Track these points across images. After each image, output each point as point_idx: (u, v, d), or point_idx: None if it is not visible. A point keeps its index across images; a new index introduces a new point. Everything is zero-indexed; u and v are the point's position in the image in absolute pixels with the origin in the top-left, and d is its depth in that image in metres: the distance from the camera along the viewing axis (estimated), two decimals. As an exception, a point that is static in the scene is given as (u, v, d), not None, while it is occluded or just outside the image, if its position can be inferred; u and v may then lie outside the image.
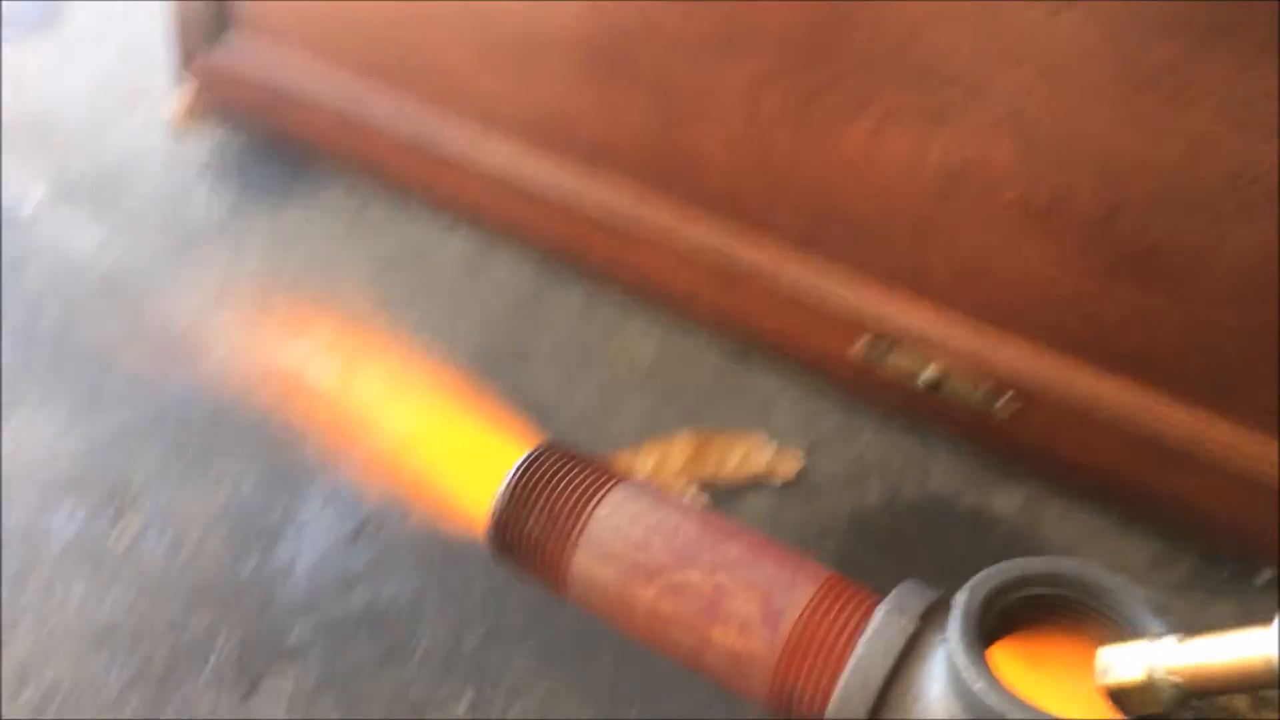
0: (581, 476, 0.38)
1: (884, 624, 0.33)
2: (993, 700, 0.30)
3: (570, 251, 1.03)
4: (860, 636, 0.33)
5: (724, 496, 0.84)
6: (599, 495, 0.37)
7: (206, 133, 1.19)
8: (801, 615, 0.34)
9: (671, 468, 0.85)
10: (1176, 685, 0.31)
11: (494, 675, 0.73)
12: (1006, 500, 0.86)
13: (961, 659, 0.30)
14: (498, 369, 0.93)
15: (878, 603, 0.35)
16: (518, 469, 0.39)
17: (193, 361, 0.92)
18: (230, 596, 0.75)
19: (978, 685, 0.30)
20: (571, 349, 0.97)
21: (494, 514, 0.39)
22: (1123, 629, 0.33)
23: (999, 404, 0.84)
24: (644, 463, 0.85)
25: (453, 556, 0.79)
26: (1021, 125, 0.78)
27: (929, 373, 0.87)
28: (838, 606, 0.34)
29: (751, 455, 0.87)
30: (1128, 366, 0.81)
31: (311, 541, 0.80)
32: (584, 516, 0.37)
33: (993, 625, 0.32)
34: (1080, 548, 0.83)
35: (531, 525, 0.38)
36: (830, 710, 0.33)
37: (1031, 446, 0.85)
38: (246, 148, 1.17)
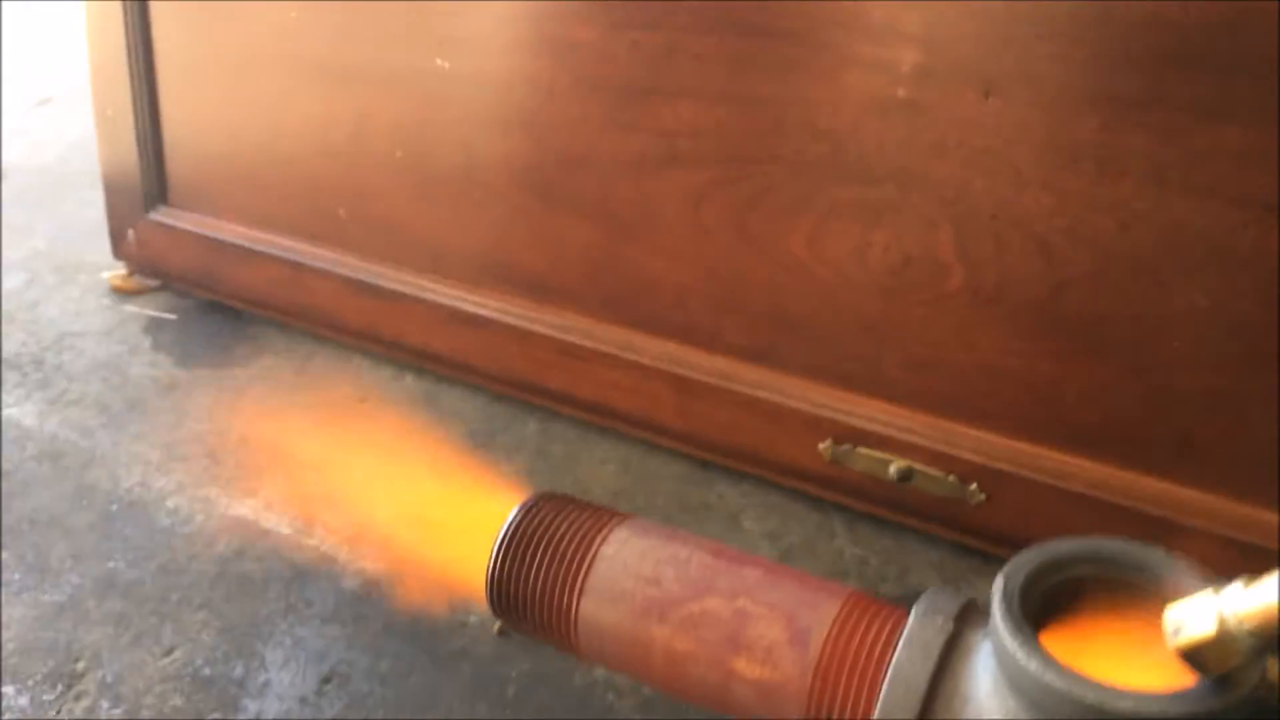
0: (581, 519, 0.36)
1: (919, 627, 0.31)
2: (1052, 678, 0.28)
3: (522, 384, 1.03)
4: (895, 645, 0.31)
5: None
6: (602, 535, 0.35)
7: (146, 300, 1.18)
8: (830, 632, 0.32)
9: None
10: (1252, 633, 0.30)
11: (480, 818, 0.69)
12: (986, 587, 0.85)
13: (1011, 641, 0.28)
14: (456, 502, 0.91)
15: (906, 613, 0.33)
16: (513, 519, 0.37)
17: (141, 523, 0.88)
18: (193, 760, 0.71)
19: (1033, 665, 0.28)
20: (532, 481, 0.95)
21: (492, 569, 0.37)
22: (1174, 598, 0.31)
23: (969, 490, 0.84)
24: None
25: (425, 703, 0.76)
26: (957, 214, 0.79)
27: (895, 468, 0.86)
28: (867, 619, 0.32)
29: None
30: (1091, 442, 0.81)
31: (276, 696, 0.76)
32: (588, 558, 0.35)
33: (1034, 612, 0.30)
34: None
35: (533, 575, 0.35)
36: (873, 725, 0.31)
37: (1006, 531, 0.85)
38: (187, 311, 1.16)
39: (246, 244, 1.10)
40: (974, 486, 0.84)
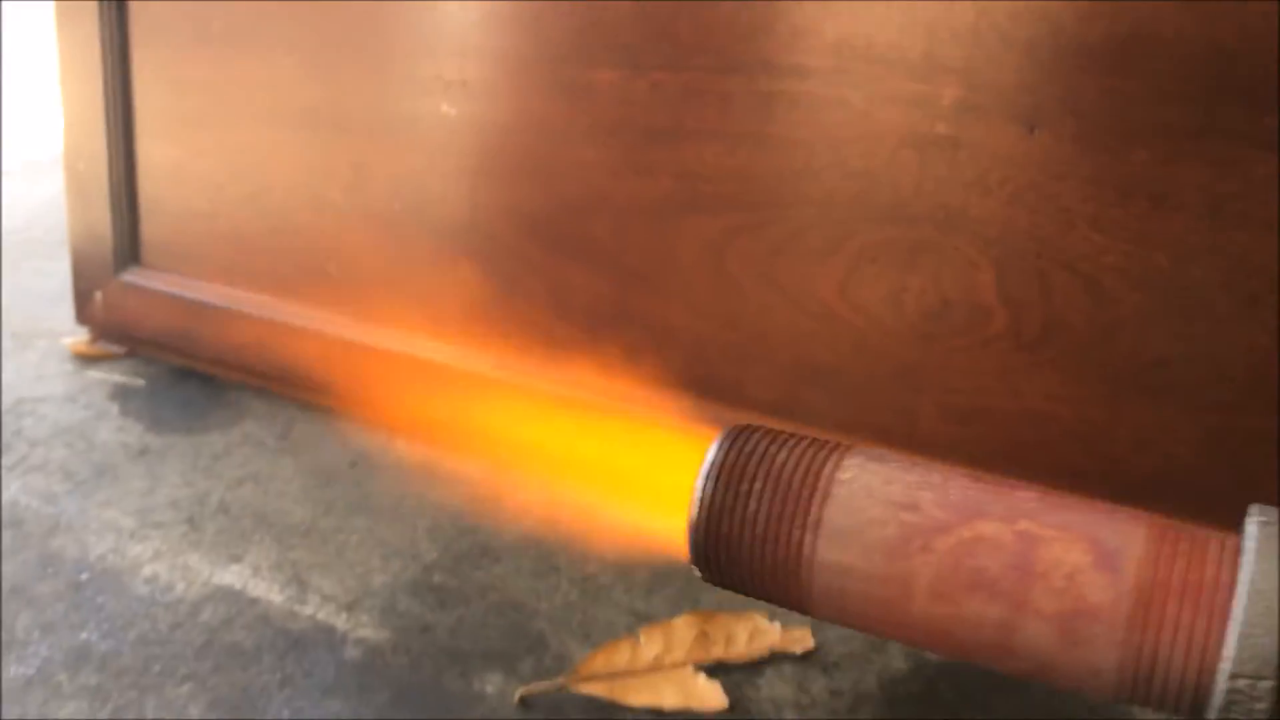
0: (801, 446, 0.30)
1: (1267, 538, 0.26)
2: None
3: (526, 445, 0.97)
4: (1232, 560, 0.26)
5: (742, 676, 0.75)
6: (833, 461, 0.29)
7: (110, 366, 1.11)
8: (1146, 551, 0.27)
9: (678, 653, 0.76)
10: None
11: None
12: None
13: None
14: (463, 571, 0.84)
15: (1225, 533, 0.28)
16: (722, 447, 0.31)
17: (115, 592, 0.80)
18: (185, 847, 0.62)
19: None
20: (543, 543, 0.89)
21: (701, 504, 0.31)
22: None
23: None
24: (647, 650, 0.76)
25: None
26: (1000, 254, 0.76)
27: (933, 526, 0.81)
28: (1185, 539, 0.27)
29: (759, 632, 0.79)
30: (1145, 492, 0.77)
31: (274, 776, 0.68)
32: (821, 483, 0.29)
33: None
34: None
35: (753, 507, 0.29)
36: (1229, 654, 0.25)
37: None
38: (157, 378, 1.09)
39: (226, 304, 1.04)
40: (1020, 542, 0.79)
